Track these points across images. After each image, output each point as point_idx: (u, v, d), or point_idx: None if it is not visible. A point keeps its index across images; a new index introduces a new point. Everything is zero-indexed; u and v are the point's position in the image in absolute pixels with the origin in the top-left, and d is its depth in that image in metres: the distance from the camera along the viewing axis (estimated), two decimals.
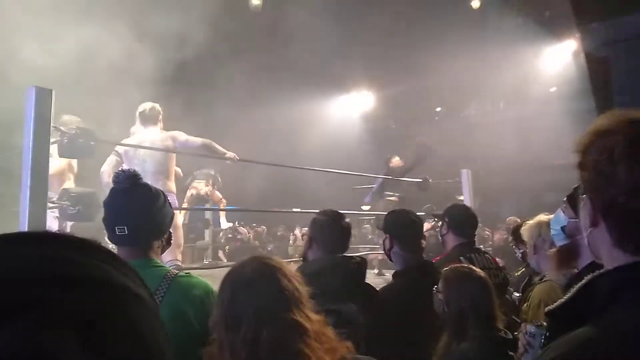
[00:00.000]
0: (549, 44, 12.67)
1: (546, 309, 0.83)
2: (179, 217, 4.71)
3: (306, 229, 9.92)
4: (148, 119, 4.59)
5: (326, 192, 11.62)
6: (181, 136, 4.56)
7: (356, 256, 2.23)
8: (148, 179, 4.22)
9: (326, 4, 9.58)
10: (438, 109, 15.35)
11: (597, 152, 0.77)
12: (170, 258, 4.26)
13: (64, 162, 4.41)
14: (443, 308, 1.95)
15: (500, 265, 3.05)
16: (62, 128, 2.93)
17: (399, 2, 11.06)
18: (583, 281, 0.77)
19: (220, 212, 8.30)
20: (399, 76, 13.14)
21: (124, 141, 4.57)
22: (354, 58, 11.26)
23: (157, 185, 4.18)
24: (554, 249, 1.87)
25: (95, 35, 5.43)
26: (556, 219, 1.80)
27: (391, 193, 7.30)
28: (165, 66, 6.05)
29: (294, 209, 9.66)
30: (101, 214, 1.67)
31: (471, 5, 13.09)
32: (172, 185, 4.61)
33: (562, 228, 1.74)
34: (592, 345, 0.68)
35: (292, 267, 1.35)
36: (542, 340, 1.41)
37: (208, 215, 8.58)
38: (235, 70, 8.65)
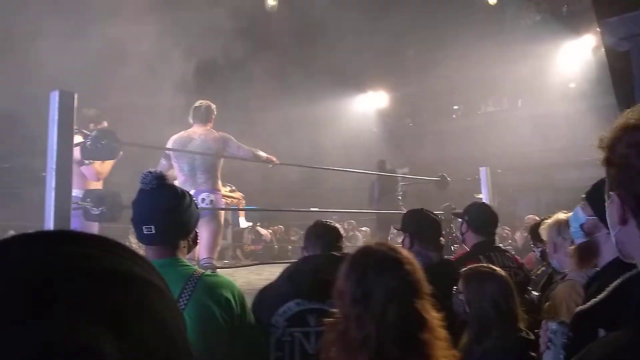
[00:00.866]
0: (568, 40, 12.47)
1: (577, 309, 0.81)
2: (222, 218, 4.70)
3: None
4: (201, 116, 4.57)
5: (343, 191, 11.64)
6: (232, 142, 4.53)
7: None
8: (197, 176, 4.34)
9: (342, 4, 9.58)
10: (456, 107, 15.23)
11: (626, 147, 0.73)
12: (206, 255, 4.32)
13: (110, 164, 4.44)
14: (464, 308, 1.94)
15: (521, 263, 3.02)
16: (84, 131, 2.98)
17: (416, 0, 11.01)
18: (616, 282, 0.74)
19: (240, 211, 8.36)
20: (416, 74, 13.09)
21: (169, 139, 4.59)
22: (371, 57, 11.24)
23: (206, 182, 4.36)
24: (573, 247, 1.85)
25: (119, 37, 5.52)
26: (575, 216, 1.78)
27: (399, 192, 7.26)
28: (184, 67, 6.12)
29: (312, 209, 9.69)
30: (124, 214, 1.71)
31: (488, 2, 12.96)
32: (219, 184, 4.59)
33: (581, 226, 1.72)
34: (634, 349, 0.64)
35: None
36: (565, 340, 1.40)
37: (227, 215, 8.64)
38: (253, 71, 8.71)
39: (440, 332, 1.31)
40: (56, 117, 2.74)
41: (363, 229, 11.09)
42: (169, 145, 4.53)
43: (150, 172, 1.65)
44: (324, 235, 2.15)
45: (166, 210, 1.63)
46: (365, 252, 1.38)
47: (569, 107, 12.21)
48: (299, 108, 11.10)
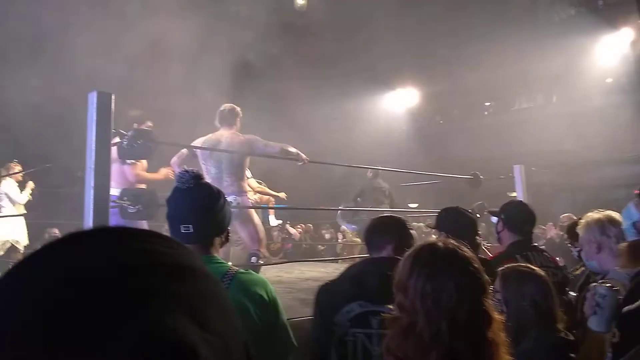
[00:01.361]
0: (604, 34, 12.11)
1: (624, 309, 0.79)
2: (255, 216, 4.81)
3: (354, 226, 9.86)
4: (226, 119, 4.66)
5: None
6: (258, 142, 4.61)
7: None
8: (223, 179, 4.43)
9: (371, 1, 9.54)
10: (488, 104, 14.97)
11: None
12: (255, 248, 4.53)
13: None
14: (501, 308, 1.91)
15: (560, 264, 2.95)
16: (121, 130, 3.05)
17: None
18: None
19: (269, 210, 8.43)
20: (446, 71, 12.93)
21: (196, 141, 4.69)
22: (400, 54, 11.16)
23: (232, 184, 4.47)
24: (623, 244, 1.79)
25: (154, 37, 5.64)
26: (627, 213, 1.74)
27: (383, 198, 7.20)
28: (215, 67, 6.20)
29: (340, 207, 9.69)
30: (159, 212, 1.74)
31: None
32: (245, 185, 4.74)
33: (634, 224, 1.67)
34: None
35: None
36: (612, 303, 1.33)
37: (257, 213, 8.73)
38: (282, 71, 8.76)
39: (502, 334, 1.30)
40: (94, 118, 2.82)
41: None
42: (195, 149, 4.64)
43: (187, 171, 1.68)
44: (390, 231, 2.05)
45: (204, 210, 1.65)
46: (432, 248, 1.37)
47: (605, 102, 11.86)
48: (328, 106, 11.11)
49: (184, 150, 4.75)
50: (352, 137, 11.67)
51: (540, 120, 12.51)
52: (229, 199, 4.40)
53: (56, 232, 8.99)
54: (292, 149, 4.66)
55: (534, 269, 1.94)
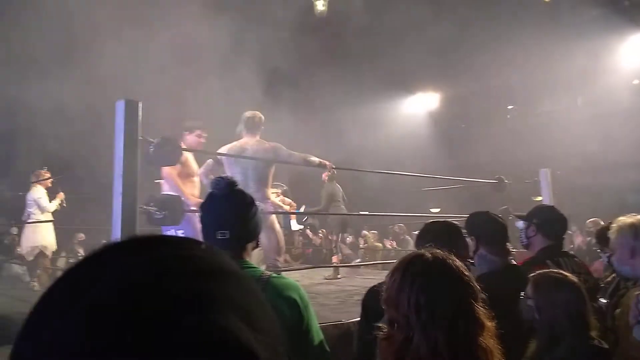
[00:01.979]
0: (630, 33, 11.88)
1: None
2: (277, 224, 4.90)
3: (374, 232, 9.82)
4: (250, 127, 4.72)
5: (394, 194, 11.54)
6: (283, 151, 4.68)
7: None
8: (249, 186, 4.46)
9: (390, 5, 9.53)
10: (510, 107, 14.78)
11: None
12: (273, 256, 4.65)
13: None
14: (533, 314, 1.88)
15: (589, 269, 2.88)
16: (148, 138, 3.09)
17: None
18: None
19: (291, 214, 8.46)
20: (467, 74, 12.82)
21: (221, 149, 4.78)
22: (420, 57, 11.10)
23: (257, 191, 4.51)
24: None
25: (182, 45, 5.73)
26: None
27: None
28: (238, 74, 6.27)
29: (361, 212, 9.67)
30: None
31: None
32: (269, 192, 4.84)
33: None
34: None
35: None
36: None
37: (279, 219, 8.76)
38: (302, 76, 8.80)
39: (494, 340, 1.27)
40: (122, 125, 2.87)
41: (414, 233, 10.92)
42: (221, 156, 4.77)
43: (222, 178, 1.70)
44: (442, 237, 1.97)
45: (239, 216, 1.67)
46: (422, 259, 1.34)
47: (632, 104, 11.62)
48: (348, 111, 11.10)
49: (210, 161, 4.88)
50: (373, 142, 11.64)
51: (565, 123, 12.31)
52: None
53: (82, 237, 9.18)
54: (315, 159, 4.72)
55: (567, 276, 1.90)
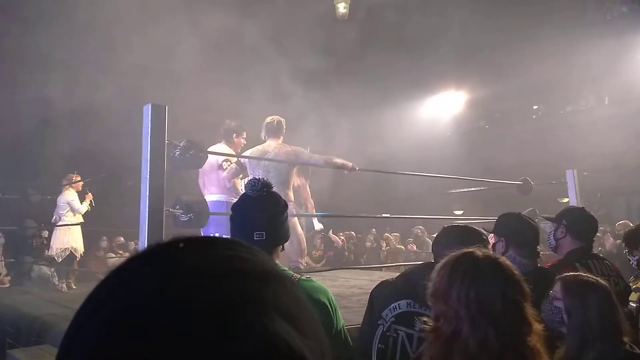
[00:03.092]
0: None
1: None
2: (298, 226, 5.03)
3: (396, 234, 9.73)
4: (273, 131, 4.87)
5: (417, 197, 11.45)
6: (304, 154, 4.81)
7: None
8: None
9: (412, 6, 9.48)
10: (535, 107, 14.53)
11: None
12: (295, 259, 4.78)
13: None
14: (560, 317, 1.85)
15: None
16: (174, 141, 3.13)
17: None
18: None
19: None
20: (491, 74, 12.65)
21: (245, 153, 5.00)
22: (443, 58, 11.01)
23: (279, 193, 4.67)
24: None
25: (205, 49, 5.83)
26: None
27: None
28: (260, 77, 6.34)
29: (384, 215, 9.61)
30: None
31: None
32: (291, 195, 4.90)
33: None
34: None
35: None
36: None
37: (301, 221, 8.76)
38: (327, 77, 8.81)
39: (541, 343, 1.27)
40: (149, 129, 2.92)
41: (434, 235, 10.80)
42: (243, 160, 4.96)
43: (258, 180, 1.71)
44: (460, 239, 1.95)
45: (275, 218, 1.70)
46: (472, 256, 1.36)
47: None
48: (371, 112, 11.07)
49: (233, 165, 4.99)
50: (395, 144, 11.57)
51: (592, 122, 12.04)
52: None
53: (122, 240, 9.34)
54: (337, 160, 4.76)
55: (597, 279, 1.87)
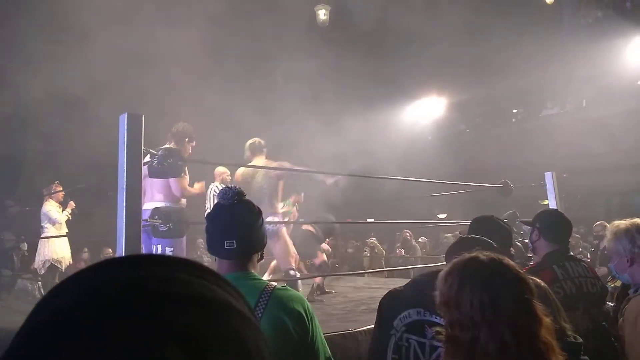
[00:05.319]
0: (634, 35, 11.82)
1: None
2: (286, 234, 5.35)
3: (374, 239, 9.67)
4: (258, 150, 5.34)
5: (400, 201, 11.49)
6: (286, 165, 5.20)
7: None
8: (265, 202, 4.95)
9: (392, 11, 9.55)
10: (515, 111, 14.73)
11: None
12: (289, 265, 5.08)
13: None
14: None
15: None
16: (151, 150, 3.11)
17: (468, 3, 10.80)
18: None
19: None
20: (471, 78, 12.79)
21: (239, 170, 5.43)
22: (424, 62, 11.11)
23: (271, 206, 5.06)
24: None
25: (186, 56, 5.81)
26: None
27: None
28: (241, 80, 6.34)
29: (368, 220, 9.64)
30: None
31: (545, 1, 12.54)
32: (278, 206, 5.37)
33: None
34: None
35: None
36: None
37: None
38: (308, 82, 8.81)
39: (552, 335, 1.29)
40: (125, 139, 2.88)
41: (420, 239, 10.89)
42: (237, 179, 5.37)
43: (230, 188, 1.71)
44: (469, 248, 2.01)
45: (247, 225, 1.68)
46: (477, 260, 1.36)
47: (637, 105, 11.55)
48: (351, 117, 11.09)
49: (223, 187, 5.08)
50: (376, 148, 11.61)
51: (570, 125, 12.25)
52: (267, 219, 4.65)
53: (110, 252, 9.20)
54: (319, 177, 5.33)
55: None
